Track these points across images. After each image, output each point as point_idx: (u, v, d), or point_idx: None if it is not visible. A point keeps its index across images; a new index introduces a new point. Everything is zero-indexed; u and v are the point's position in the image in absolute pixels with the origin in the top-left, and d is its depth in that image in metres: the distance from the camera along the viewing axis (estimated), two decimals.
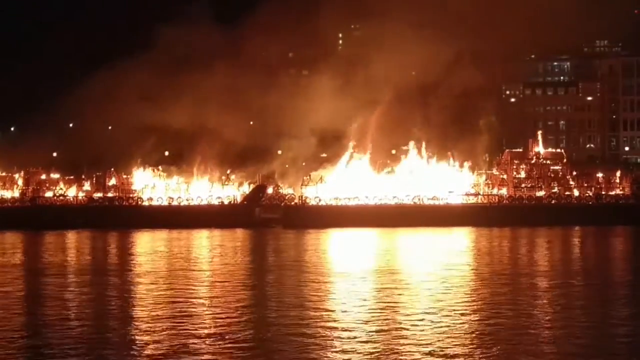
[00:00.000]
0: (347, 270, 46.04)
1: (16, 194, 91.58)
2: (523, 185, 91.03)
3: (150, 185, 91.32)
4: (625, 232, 76.19)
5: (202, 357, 25.44)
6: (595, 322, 31.15)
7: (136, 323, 30.81)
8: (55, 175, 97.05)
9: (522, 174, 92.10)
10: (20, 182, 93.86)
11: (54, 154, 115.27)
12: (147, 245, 65.39)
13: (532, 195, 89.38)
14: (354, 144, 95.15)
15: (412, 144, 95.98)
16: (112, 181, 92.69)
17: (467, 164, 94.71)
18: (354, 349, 26.27)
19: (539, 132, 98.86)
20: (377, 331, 28.86)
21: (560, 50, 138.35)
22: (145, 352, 26.07)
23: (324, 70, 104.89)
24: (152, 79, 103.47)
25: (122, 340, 27.70)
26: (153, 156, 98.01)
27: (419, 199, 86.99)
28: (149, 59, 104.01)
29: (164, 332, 28.69)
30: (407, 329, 29.08)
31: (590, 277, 44.83)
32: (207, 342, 27.16)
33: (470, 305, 34.29)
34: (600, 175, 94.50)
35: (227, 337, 27.89)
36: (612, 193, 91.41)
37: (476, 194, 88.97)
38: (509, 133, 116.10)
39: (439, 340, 27.40)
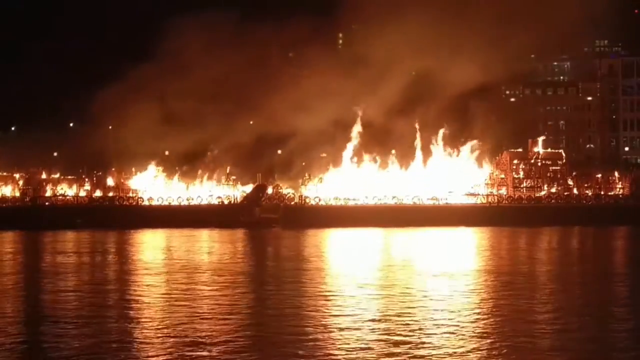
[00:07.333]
0: (349, 270, 46.11)
1: (16, 193, 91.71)
2: (523, 185, 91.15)
3: (151, 185, 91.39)
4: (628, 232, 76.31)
5: None
6: None
7: (136, 324, 30.84)
8: (55, 175, 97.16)
9: (522, 174, 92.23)
10: (20, 182, 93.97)
11: (54, 154, 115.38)
12: (147, 245, 65.46)
13: (531, 195, 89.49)
14: (354, 144, 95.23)
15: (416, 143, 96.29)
16: (112, 181, 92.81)
17: (466, 164, 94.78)
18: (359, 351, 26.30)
19: (542, 136, 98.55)
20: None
21: (560, 50, 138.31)
22: (145, 353, 26.12)
23: (324, 70, 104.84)
24: (153, 78, 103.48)
25: (121, 341, 27.73)
26: (153, 156, 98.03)
27: (419, 199, 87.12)
28: (149, 58, 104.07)
29: (164, 334, 28.72)
30: None
31: None
32: (207, 345, 27.18)
33: None
34: (599, 175, 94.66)
35: (227, 341, 27.92)
36: (612, 193, 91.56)
37: (476, 194, 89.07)
38: (508, 133, 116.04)
39: None
